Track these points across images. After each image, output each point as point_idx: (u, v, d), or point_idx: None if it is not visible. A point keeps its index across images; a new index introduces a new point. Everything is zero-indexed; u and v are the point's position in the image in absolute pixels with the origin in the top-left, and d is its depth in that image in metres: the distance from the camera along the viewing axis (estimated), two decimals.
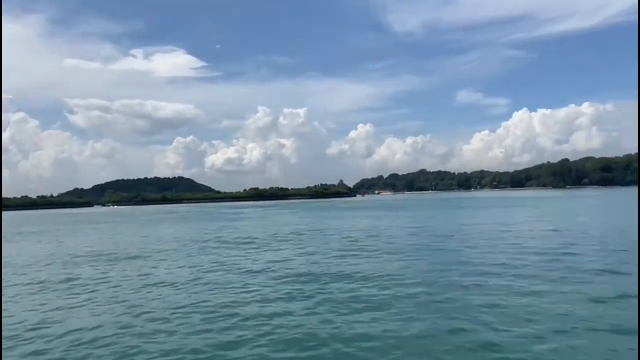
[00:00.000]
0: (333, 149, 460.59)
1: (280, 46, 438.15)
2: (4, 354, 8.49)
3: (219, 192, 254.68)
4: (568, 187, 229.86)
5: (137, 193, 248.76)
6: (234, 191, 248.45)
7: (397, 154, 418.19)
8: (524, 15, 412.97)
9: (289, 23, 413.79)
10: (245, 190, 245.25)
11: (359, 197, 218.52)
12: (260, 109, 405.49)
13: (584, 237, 22.73)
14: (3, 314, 10.81)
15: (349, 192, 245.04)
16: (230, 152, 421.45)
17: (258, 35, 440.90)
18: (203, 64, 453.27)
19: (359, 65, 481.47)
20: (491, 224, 33.66)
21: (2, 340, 9.12)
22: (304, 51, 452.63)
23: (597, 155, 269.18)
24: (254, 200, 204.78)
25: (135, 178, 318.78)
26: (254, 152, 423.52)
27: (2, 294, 13.62)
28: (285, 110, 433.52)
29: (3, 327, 9.94)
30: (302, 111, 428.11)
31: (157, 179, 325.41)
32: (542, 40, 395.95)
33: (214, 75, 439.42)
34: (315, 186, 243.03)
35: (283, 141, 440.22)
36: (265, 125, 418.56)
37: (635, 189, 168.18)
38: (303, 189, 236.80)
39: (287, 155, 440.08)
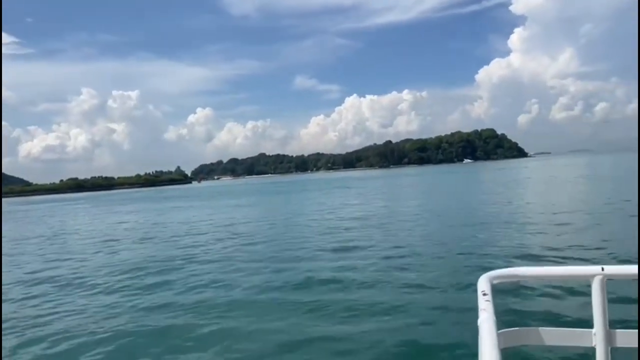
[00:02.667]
0: (170, 134, 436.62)
1: (106, 23, 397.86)
2: None
3: (28, 184, 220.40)
4: (392, 166, 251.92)
5: None
6: (49, 182, 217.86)
7: (237, 138, 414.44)
8: (352, 5, 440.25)
9: None
10: (62, 181, 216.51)
11: (194, 184, 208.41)
12: (85, 90, 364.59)
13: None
14: None
15: (185, 179, 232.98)
16: (50, 139, 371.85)
17: (79, 9, 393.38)
18: (12, 39, 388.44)
19: (195, 47, 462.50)
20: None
21: None
22: (133, 30, 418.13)
23: (415, 137, 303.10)
24: (73, 192, 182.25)
25: None
26: (78, 138, 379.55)
27: None
28: (115, 93, 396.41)
29: None
30: (133, 93, 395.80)
31: None
32: (368, 30, 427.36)
33: (26, 53, 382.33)
34: (146, 174, 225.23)
35: (113, 126, 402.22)
36: (92, 109, 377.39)
37: (444, 166, 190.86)
38: (132, 177, 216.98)
39: (118, 140, 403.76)
